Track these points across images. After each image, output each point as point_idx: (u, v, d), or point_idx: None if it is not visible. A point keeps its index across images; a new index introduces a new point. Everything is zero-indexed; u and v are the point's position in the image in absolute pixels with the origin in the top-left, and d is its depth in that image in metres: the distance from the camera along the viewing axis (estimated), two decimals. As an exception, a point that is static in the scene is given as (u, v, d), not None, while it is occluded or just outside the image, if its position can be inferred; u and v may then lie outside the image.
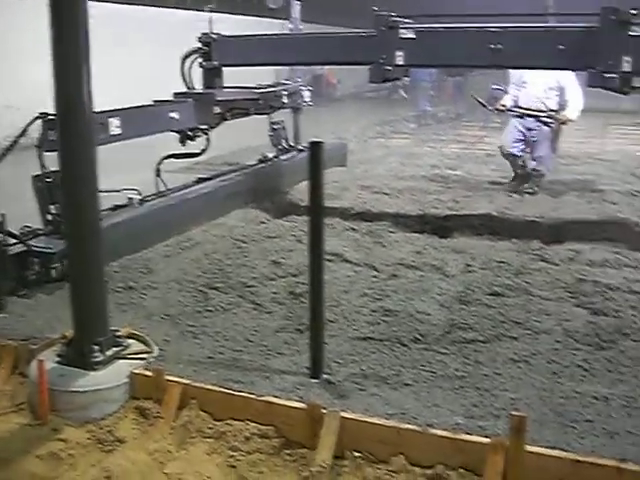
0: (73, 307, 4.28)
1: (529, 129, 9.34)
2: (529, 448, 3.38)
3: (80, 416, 3.95)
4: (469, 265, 6.25)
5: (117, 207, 6.73)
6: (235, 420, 3.87)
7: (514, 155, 9.52)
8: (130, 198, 6.84)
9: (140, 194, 7.00)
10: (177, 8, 18.25)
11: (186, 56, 7.98)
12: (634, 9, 6.04)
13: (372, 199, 8.76)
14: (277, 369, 4.31)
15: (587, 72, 6.39)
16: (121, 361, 4.29)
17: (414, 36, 6.81)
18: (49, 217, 5.96)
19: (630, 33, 6.05)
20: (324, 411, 3.69)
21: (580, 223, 7.69)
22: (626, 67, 6.09)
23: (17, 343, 4.50)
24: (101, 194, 6.53)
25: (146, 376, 4.11)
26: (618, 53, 6.10)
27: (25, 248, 5.63)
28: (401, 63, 6.89)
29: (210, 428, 3.88)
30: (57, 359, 4.26)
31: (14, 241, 5.59)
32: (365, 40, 7.13)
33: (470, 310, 5.20)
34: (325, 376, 4.19)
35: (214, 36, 8.01)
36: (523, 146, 9.45)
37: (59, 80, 3.98)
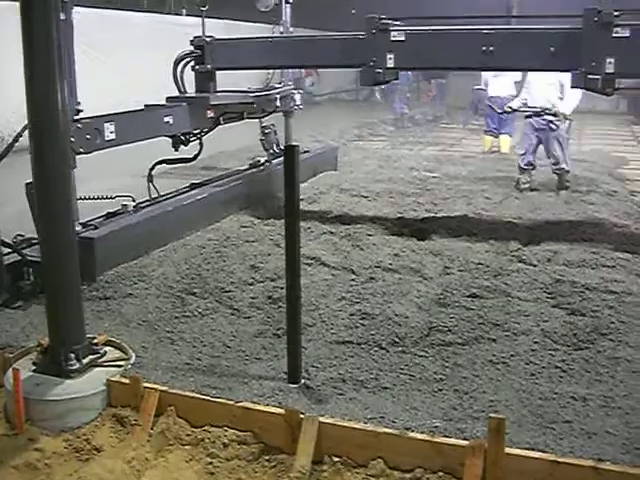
0: (49, 315, 4.25)
1: (537, 129, 9.56)
2: (508, 450, 3.38)
3: (56, 425, 3.92)
4: (447, 267, 6.26)
5: (111, 214, 6.64)
6: (213, 426, 3.86)
7: (532, 164, 9.79)
8: (124, 205, 6.74)
9: (134, 200, 6.91)
10: (155, 12, 18.25)
11: (178, 60, 7.92)
12: (617, 10, 6.07)
13: (350, 202, 8.75)
14: (255, 374, 4.29)
15: (571, 73, 6.42)
16: (98, 369, 4.26)
17: (404, 39, 6.80)
18: None
19: (613, 35, 6.08)
20: (302, 416, 3.68)
21: (558, 224, 7.73)
22: (609, 68, 6.12)
23: (-8, 352, 4.45)
24: (95, 201, 6.50)
25: (123, 383, 4.08)
26: (601, 54, 6.13)
27: (19, 258, 5.56)
28: (392, 66, 6.90)
29: (188, 435, 3.86)
30: (33, 368, 4.22)
31: (7, 250, 5.51)
32: (356, 43, 7.11)
33: (448, 312, 5.20)
34: (303, 381, 4.18)
35: (207, 39, 7.95)
36: (534, 152, 9.73)
37: (31, 90, 3.96)
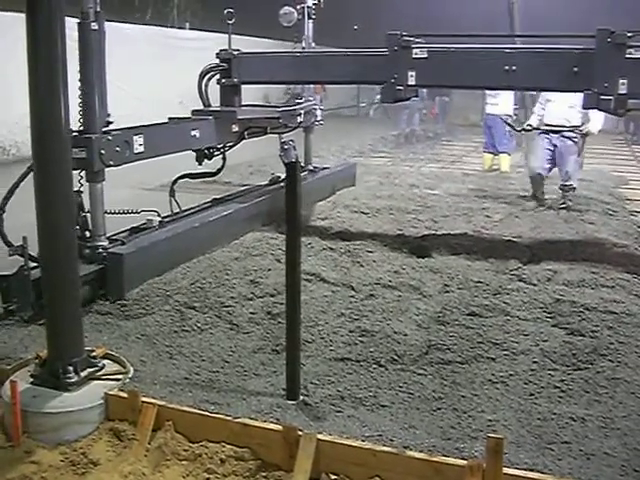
0: (48, 327, 4.24)
1: (555, 145, 9.72)
2: (506, 470, 3.37)
3: (53, 438, 3.90)
4: (447, 285, 6.26)
5: (136, 229, 6.58)
6: (211, 442, 3.84)
7: (541, 175, 9.93)
8: (149, 219, 6.68)
9: (159, 215, 6.84)
10: (161, 26, 18.30)
11: (204, 73, 7.91)
12: (630, 32, 6.08)
13: (350, 218, 8.75)
14: (253, 390, 4.28)
15: (583, 93, 6.44)
16: (96, 382, 4.25)
17: (427, 56, 6.82)
18: None
19: (626, 56, 6.10)
20: (300, 433, 3.67)
21: (557, 243, 7.73)
22: (622, 89, 6.13)
23: (-10, 364, 4.44)
24: (119, 215, 6.41)
25: (121, 397, 4.07)
26: (614, 75, 6.14)
27: None
28: (413, 83, 6.91)
29: (185, 450, 3.84)
30: (31, 380, 4.21)
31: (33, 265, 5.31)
32: (378, 59, 7.11)
33: (448, 331, 5.19)
34: (302, 397, 4.17)
35: (234, 53, 7.95)
36: (549, 166, 9.87)
37: (35, 101, 3.96)
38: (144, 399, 4.02)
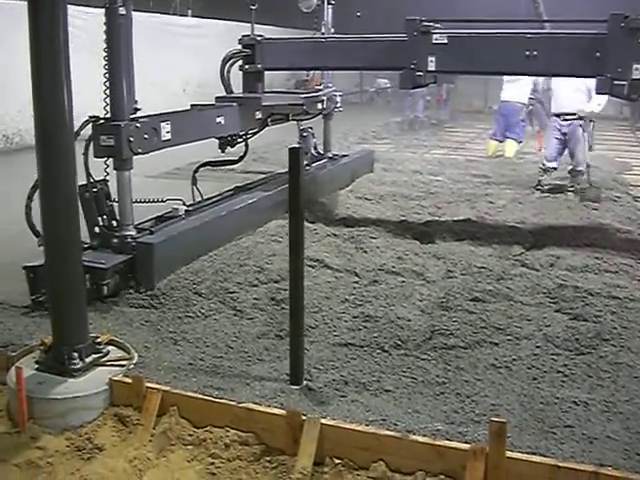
0: (52, 314, 4.26)
1: (564, 134, 9.81)
2: (509, 454, 3.38)
3: (59, 424, 3.92)
4: (450, 271, 6.27)
5: (162, 218, 6.51)
6: (215, 427, 3.86)
7: (554, 168, 10.08)
8: (175, 208, 6.59)
9: (185, 204, 6.78)
10: (162, 13, 18.24)
11: (227, 59, 7.83)
12: None
13: (354, 204, 8.75)
14: (257, 376, 4.30)
15: (596, 79, 6.40)
16: (100, 368, 4.26)
17: (447, 41, 6.78)
18: (96, 230, 5.74)
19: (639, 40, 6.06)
20: (304, 418, 3.68)
21: (561, 229, 7.73)
22: (636, 74, 6.10)
23: (-5, 350, 4.46)
24: (144, 204, 6.31)
25: (125, 383, 4.09)
26: (628, 60, 6.11)
27: None
28: (432, 69, 6.87)
29: (190, 435, 3.86)
30: (36, 366, 4.23)
31: None
32: (398, 45, 7.07)
33: (451, 316, 5.20)
34: (305, 383, 4.19)
35: (258, 39, 7.87)
36: (558, 155, 10.05)
37: (38, 89, 3.96)
38: (149, 385, 4.04)
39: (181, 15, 19.66)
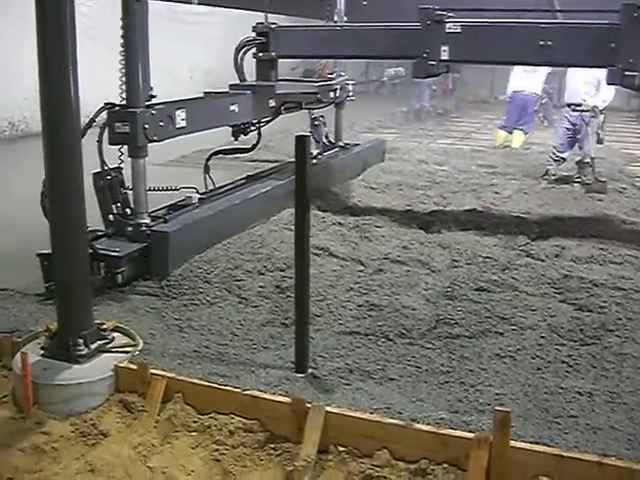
0: (58, 300, 4.27)
1: (574, 124, 9.82)
2: (513, 443, 3.39)
3: (64, 409, 3.94)
4: (455, 260, 6.27)
5: (174, 206, 6.45)
6: (220, 414, 3.87)
7: (564, 159, 10.12)
8: (188, 197, 6.53)
9: (198, 192, 6.74)
10: (169, 0, 18.17)
11: (240, 47, 7.76)
12: None
13: (359, 193, 8.74)
14: (262, 363, 4.30)
15: (607, 70, 6.38)
16: (105, 354, 4.28)
17: (460, 31, 6.74)
18: (111, 218, 5.70)
19: None
20: (309, 405, 3.69)
21: (566, 219, 7.72)
22: None
23: (0, 335, 4.47)
24: (158, 192, 6.26)
25: (131, 369, 4.10)
26: (639, 51, 6.07)
27: (90, 251, 5.22)
28: (446, 58, 6.85)
29: (195, 422, 3.88)
30: (41, 352, 4.24)
31: None
32: (412, 34, 7.03)
33: (456, 305, 5.21)
34: (310, 370, 4.20)
35: (272, 26, 7.82)
36: (568, 147, 10.08)
37: (44, 77, 3.96)
38: (153, 371, 4.06)
39: (188, 3, 19.59)
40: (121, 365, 4.14)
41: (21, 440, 3.71)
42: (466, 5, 7.42)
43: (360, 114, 16.87)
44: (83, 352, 4.17)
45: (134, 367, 4.09)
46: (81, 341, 4.17)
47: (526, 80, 12.71)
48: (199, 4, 18.66)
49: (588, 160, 9.69)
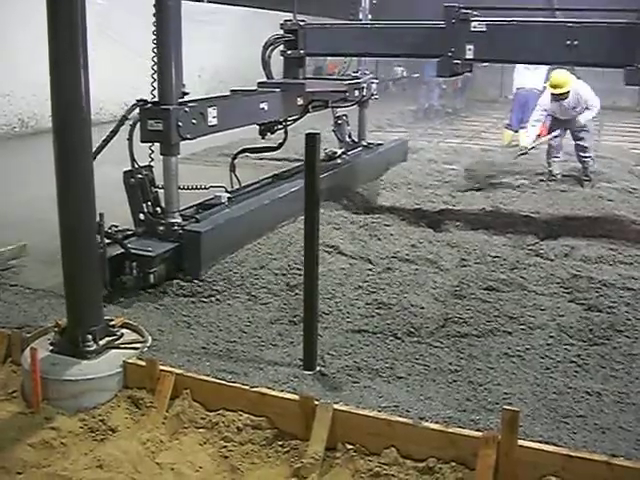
0: (67, 296, 4.27)
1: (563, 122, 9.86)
2: (521, 442, 3.38)
3: (72, 405, 3.94)
4: (464, 259, 6.26)
5: (204, 205, 6.41)
6: (228, 411, 3.87)
7: (558, 156, 10.15)
8: (217, 196, 6.49)
9: (227, 191, 6.71)
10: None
11: (268, 44, 7.72)
12: None
13: (369, 192, 8.73)
14: (271, 360, 4.31)
15: (625, 69, 6.32)
16: (114, 350, 4.28)
17: (485, 29, 6.71)
18: (141, 216, 5.65)
19: None
20: (317, 403, 3.69)
21: (576, 219, 7.70)
22: None
23: (10, 331, 4.48)
24: (187, 191, 6.19)
25: (139, 366, 4.11)
26: None
27: (122, 250, 5.30)
28: (470, 57, 6.82)
29: (203, 418, 3.88)
30: (50, 348, 4.25)
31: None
32: (437, 32, 7.00)
33: (464, 304, 5.20)
34: (319, 368, 4.20)
35: (301, 24, 7.78)
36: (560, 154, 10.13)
37: (55, 74, 3.96)
38: (162, 367, 4.07)
39: (197, 1, 19.61)
40: (130, 361, 4.15)
41: (30, 435, 3.72)
42: (490, 4, 7.38)
43: (370, 112, 16.87)
44: (92, 348, 4.18)
45: (143, 363, 4.10)
46: (90, 337, 4.18)
47: (528, 77, 12.86)
48: (209, 2, 18.69)
49: (587, 160, 9.78)
